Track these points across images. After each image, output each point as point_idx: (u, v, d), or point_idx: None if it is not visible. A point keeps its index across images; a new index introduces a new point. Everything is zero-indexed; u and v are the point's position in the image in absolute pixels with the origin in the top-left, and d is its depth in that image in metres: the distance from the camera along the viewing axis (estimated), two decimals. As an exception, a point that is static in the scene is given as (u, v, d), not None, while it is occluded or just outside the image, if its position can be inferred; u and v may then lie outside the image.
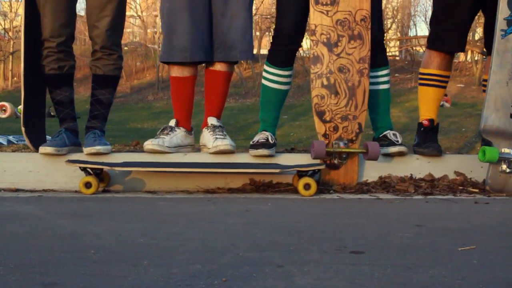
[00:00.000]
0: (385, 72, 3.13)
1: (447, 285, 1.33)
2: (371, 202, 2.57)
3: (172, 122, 3.06)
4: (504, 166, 2.83)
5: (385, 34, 3.26)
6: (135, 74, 32.25)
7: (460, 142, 18.14)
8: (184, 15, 2.94)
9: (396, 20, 33.13)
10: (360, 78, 2.92)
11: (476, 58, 27.61)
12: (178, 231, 1.89)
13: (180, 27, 2.95)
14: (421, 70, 3.23)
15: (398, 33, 33.78)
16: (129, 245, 1.68)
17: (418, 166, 3.09)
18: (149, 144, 2.93)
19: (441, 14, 3.11)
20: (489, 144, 2.85)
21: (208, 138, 3.03)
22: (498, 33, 2.79)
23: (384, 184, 3.00)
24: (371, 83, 3.09)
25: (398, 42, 31.68)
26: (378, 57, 3.08)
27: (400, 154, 3.05)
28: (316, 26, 2.92)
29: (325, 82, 2.92)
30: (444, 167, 3.09)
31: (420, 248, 1.69)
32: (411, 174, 3.04)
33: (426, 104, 3.21)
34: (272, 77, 3.11)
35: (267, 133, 3.05)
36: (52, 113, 27.51)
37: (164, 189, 2.89)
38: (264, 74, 3.13)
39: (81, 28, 32.23)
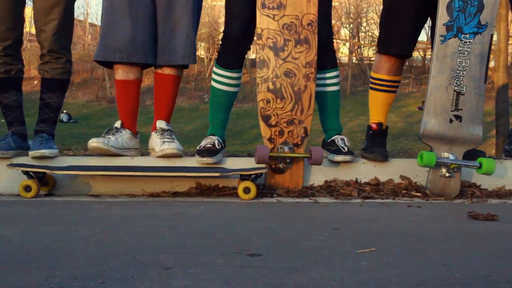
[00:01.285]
0: (333, 74, 3.16)
1: (319, 286, 1.35)
2: (306, 206, 2.59)
3: (118, 124, 3.08)
4: (443, 171, 2.85)
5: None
6: (134, 78, 32.26)
7: None
8: (123, 16, 2.96)
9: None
10: (307, 82, 2.94)
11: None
12: (90, 234, 1.91)
13: (117, 27, 2.97)
14: (372, 74, 3.26)
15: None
16: (31, 249, 1.70)
17: (364, 170, 3.11)
18: (93, 142, 2.95)
19: (388, 19, 3.13)
20: (431, 149, 2.87)
21: (156, 141, 3.05)
22: (437, 39, 2.81)
23: (330, 188, 3.02)
24: (320, 85, 3.13)
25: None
26: (326, 60, 3.10)
27: (346, 162, 3.07)
28: (262, 30, 2.94)
29: (271, 87, 2.95)
30: (390, 171, 3.11)
31: (321, 250, 1.71)
32: (356, 178, 3.05)
33: (376, 108, 3.23)
34: (221, 78, 3.14)
35: (215, 138, 3.08)
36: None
37: (109, 193, 2.91)
38: (213, 76, 3.16)
39: (79, 33, 32.41)
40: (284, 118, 2.95)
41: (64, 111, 23.82)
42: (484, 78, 2.85)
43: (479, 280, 1.42)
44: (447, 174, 2.84)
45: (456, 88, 2.83)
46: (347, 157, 3.03)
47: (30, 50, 29.90)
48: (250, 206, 2.58)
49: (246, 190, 2.75)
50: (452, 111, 2.84)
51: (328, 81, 3.14)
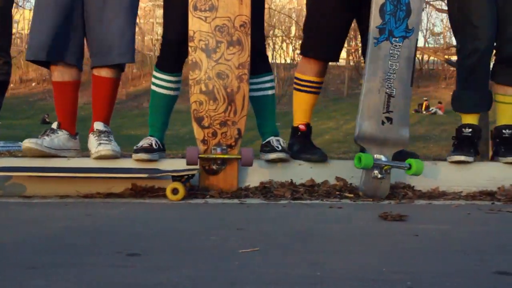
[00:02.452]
0: (267, 78, 3.18)
1: (177, 284, 1.37)
2: (228, 207, 2.61)
3: (55, 125, 3.10)
4: (376, 172, 2.86)
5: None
6: (131, 81, 32.37)
7: (450, 150, 18.13)
8: (48, 14, 2.97)
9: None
10: (240, 84, 2.96)
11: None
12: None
13: (41, 26, 2.99)
14: (296, 75, 3.28)
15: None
16: None
17: (300, 172, 3.12)
18: (26, 142, 2.97)
19: (310, 23, 3.17)
20: (364, 150, 2.89)
21: (92, 143, 3.07)
22: (371, 41, 2.83)
23: (265, 189, 3.03)
24: (254, 90, 3.15)
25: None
26: (260, 65, 3.13)
27: (280, 160, 3.08)
28: (194, 33, 2.96)
29: (204, 88, 2.96)
30: (326, 172, 3.12)
31: (204, 250, 1.73)
32: (291, 180, 3.07)
33: (301, 109, 3.26)
34: (160, 82, 3.16)
35: (152, 139, 3.10)
36: (47, 120, 27.37)
37: (43, 194, 2.92)
38: (153, 79, 3.18)
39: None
40: (217, 119, 2.96)
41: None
42: (411, 81, 2.88)
43: (340, 279, 1.43)
44: (379, 176, 2.85)
45: (387, 90, 2.85)
46: (280, 154, 3.05)
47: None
48: (173, 207, 2.60)
49: (175, 191, 2.76)
50: (384, 113, 2.86)
51: (262, 86, 3.17)
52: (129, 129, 19.63)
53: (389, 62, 2.83)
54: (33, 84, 31.47)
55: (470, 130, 3.18)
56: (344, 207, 2.61)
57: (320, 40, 3.14)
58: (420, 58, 29.82)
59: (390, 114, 2.85)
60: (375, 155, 2.86)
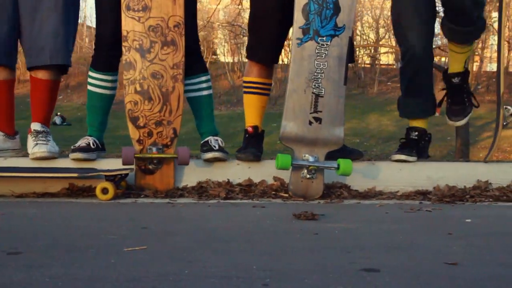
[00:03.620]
0: (203, 78, 3.20)
1: (39, 282, 1.38)
2: (154, 207, 2.62)
3: None
4: (304, 172, 2.87)
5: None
6: (129, 81, 32.35)
7: (444, 151, 18.13)
8: None
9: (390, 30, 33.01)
10: (174, 83, 2.98)
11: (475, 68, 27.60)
12: None
13: None
14: (244, 78, 3.29)
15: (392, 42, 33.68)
16: None
17: (238, 172, 3.13)
18: None
19: (252, 27, 3.18)
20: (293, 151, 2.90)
21: (30, 143, 3.09)
22: (294, 42, 2.84)
23: (201, 189, 3.05)
24: (190, 90, 3.18)
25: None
26: (195, 65, 3.15)
27: (217, 160, 3.10)
28: (128, 33, 2.98)
29: (138, 88, 2.98)
30: (264, 172, 3.13)
31: (89, 250, 1.74)
32: (228, 179, 3.08)
33: (251, 111, 3.26)
34: (96, 82, 3.17)
35: (90, 138, 3.12)
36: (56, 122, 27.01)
37: (-22, 194, 2.94)
38: (89, 79, 3.19)
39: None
40: (152, 119, 2.98)
41: (58, 114, 23.87)
42: (344, 80, 2.88)
43: (204, 276, 1.45)
44: (308, 176, 2.86)
45: (314, 90, 2.85)
46: (217, 154, 3.06)
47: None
48: (98, 206, 2.61)
49: (104, 191, 2.78)
50: (311, 113, 2.86)
51: (198, 86, 3.19)
52: (125, 130, 19.55)
53: (316, 62, 2.83)
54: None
55: (417, 133, 3.19)
56: (268, 206, 2.62)
57: (259, 42, 3.16)
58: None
59: (318, 114, 2.86)
60: (303, 156, 2.87)
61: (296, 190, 2.88)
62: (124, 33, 2.97)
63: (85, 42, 35.84)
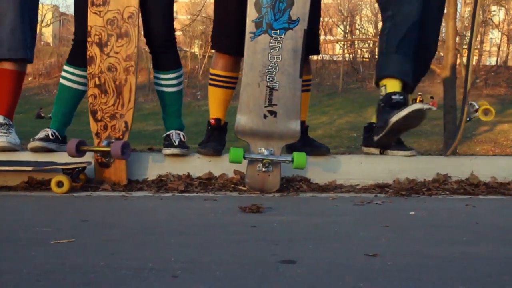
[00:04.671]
0: (171, 75, 3.19)
1: None
2: (104, 200, 2.63)
3: None
4: (260, 165, 2.87)
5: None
6: (128, 76, 32.39)
7: (440, 144, 18.08)
8: None
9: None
10: (127, 76, 2.98)
11: (464, 62, 27.51)
12: None
13: None
14: (210, 70, 3.28)
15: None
16: None
17: (199, 165, 3.14)
18: None
19: (217, 17, 3.18)
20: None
21: (-10, 135, 3.09)
22: (248, 36, 2.83)
23: (161, 182, 3.05)
24: (158, 85, 3.20)
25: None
26: (164, 61, 3.15)
27: (175, 155, 3.10)
28: (91, 28, 2.98)
29: (97, 82, 2.99)
30: (225, 165, 3.13)
31: (19, 242, 1.75)
32: (188, 173, 3.09)
33: (214, 104, 3.25)
34: (69, 76, 3.18)
35: (49, 130, 3.14)
36: (42, 114, 27.36)
37: None
38: (62, 73, 3.21)
39: (72, 30, 32.58)
40: (107, 112, 2.98)
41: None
42: (299, 73, 2.87)
43: (112, 268, 1.45)
44: (264, 169, 2.86)
45: (269, 84, 2.85)
46: (175, 150, 3.07)
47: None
48: (50, 199, 2.62)
49: (59, 184, 2.78)
50: (266, 106, 2.86)
51: (166, 82, 3.19)
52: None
53: (269, 55, 2.83)
54: (29, 78, 31.53)
55: (401, 97, 2.95)
56: (220, 200, 2.62)
57: (223, 34, 3.15)
58: None
59: (273, 108, 2.85)
60: (258, 149, 2.88)
61: (252, 183, 2.88)
62: (88, 28, 2.99)
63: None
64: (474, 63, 29.27)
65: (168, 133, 3.17)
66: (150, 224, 2.07)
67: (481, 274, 1.43)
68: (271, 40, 2.82)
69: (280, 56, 2.83)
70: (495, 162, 3.16)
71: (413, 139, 20.05)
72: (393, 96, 2.92)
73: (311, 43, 3.04)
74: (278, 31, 2.82)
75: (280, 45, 2.82)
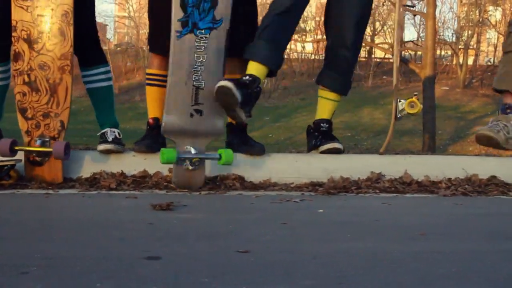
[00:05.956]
0: (101, 70, 3.19)
1: None
2: (28, 198, 2.61)
3: None
4: (187, 163, 2.86)
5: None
6: (125, 74, 32.44)
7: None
8: None
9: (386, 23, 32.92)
10: (62, 75, 2.96)
11: (461, 62, 27.57)
12: None
13: None
14: (146, 70, 3.29)
15: (388, 37, 33.60)
16: None
17: (134, 163, 3.12)
18: None
19: (150, 17, 3.18)
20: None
21: None
22: (173, 35, 2.83)
23: (94, 180, 3.04)
24: (88, 82, 3.18)
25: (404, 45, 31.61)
26: (92, 56, 3.14)
27: (109, 152, 3.10)
28: (17, 22, 2.96)
29: (26, 79, 2.97)
30: (160, 164, 3.10)
31: None
32: (122, 170, 3.08)
33: (152, 103, 3.25)
34: None
35: None
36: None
37: None
38: None
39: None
40: (40, 111, 2.97)
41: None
42: (222, 73, 2.86)
43: None
44: (191, 167, 2.86)
45: (195, 83, 2.84)
46: (108, 146, 3.07)
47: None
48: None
49: (-16, 182, 2.78)
50: (192, 105, 2.86)
51: (95, 78, 3.18)
52: (121, 123, 19.67)
53: (195, 55, 2.82)
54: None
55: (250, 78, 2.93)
56: (141, 197, 2.61)
57: (155, 35, 3.16)
58: (414, 53, 29.70)
59: (199, 106, 2.85)
60: (185, 148, 2.87)
61: (179, 181, 2.88)
62: (13, 23, 2.95)
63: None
64: (470, 63, 29.24)
65: (103, 131, 3.16)
66: (46, 221, 2.06)
67: (338, 270, 1.42)
68: (197, 40, 2.82)
69: (205, 56, 2.83)
70: (429, 161, 3.15)
71: (408, 138, 20.06)
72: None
73: (248, 43, 3.04)
74: (203, 31, 2.81)
75: (205, 45, 2.82)
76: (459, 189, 2.87)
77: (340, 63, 3.28)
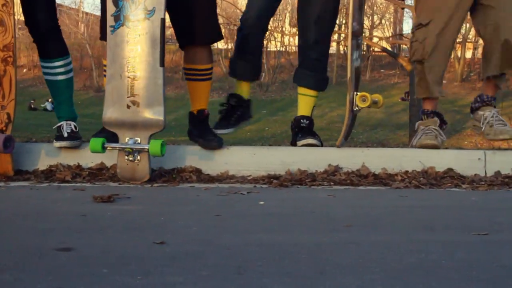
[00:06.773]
0: (61, 63, 3.18)
1: None
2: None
3: None
4: (127, 155, 2.87)
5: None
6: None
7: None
8: None
9: (384, 16, 32.86)
10: (5, 67, 2.95)
11: (459, 55, 27.52)
12: None
13: None
14: (104, 61, 3.27)
15: (387, 30, 33.55)
16: None
17: (92, 155, 3.10)
18: None
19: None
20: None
21: None
22: (108, 30, 2.84)
23: (50, 172, 3.05)
24: (47, 74, 3.18)
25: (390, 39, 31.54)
26: (51, 49, 3.14)
27: (63, 147, 3.10)
28: (-42, 16, 2.95)
29: (-33, 71, 2.96)
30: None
31: None
32: (78, 163, 3.08)
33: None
34: None
35: None
36: (33, 106, 27.35)
37: None
38: None
39: (66, 22, 32.48)
40: (-16, 103, 2.96)
41: (49, 100, 23.87)
42: (159, 62, 2.84)
43: None
44: (131, 158, 2.86)
45: (129, 74, 2.85)
46: (63, 143, 3.08)
47: (20, 39, 30.10)
48: None
49: None
50: (128, 97, 2.86)
51: (54, 70, 3.17)
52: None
53: (129, 47, 2.82)
54: (24, 70, 31.58)
55: (235, 100, 3.39)
56: (88, 190, 2.61)
57: (103, 26, 3.14)
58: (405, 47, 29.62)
59: (135, 98, 2.85)
60: (126, 139, 2.87)
61: (122, 173, 2.89)
62: (-45, 16, 2.95)
63: (80, 28, 35.77)
64: (469, 56, 29.17)
65: (59, 124, 3.16)
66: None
67: (239, 261, 1.41)
68: (129, 32, 2.82)
69: (139, 47, 2.83)
70: (386, 153, 3.14)
71: (404, 131, 19.99)
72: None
73: (202, 30, 3.04)
74: (135, 22, 2.81)
75: (138, 36, 2.82)
76: (413, 181, 2.86)
77: (309, 61, 3.34)
